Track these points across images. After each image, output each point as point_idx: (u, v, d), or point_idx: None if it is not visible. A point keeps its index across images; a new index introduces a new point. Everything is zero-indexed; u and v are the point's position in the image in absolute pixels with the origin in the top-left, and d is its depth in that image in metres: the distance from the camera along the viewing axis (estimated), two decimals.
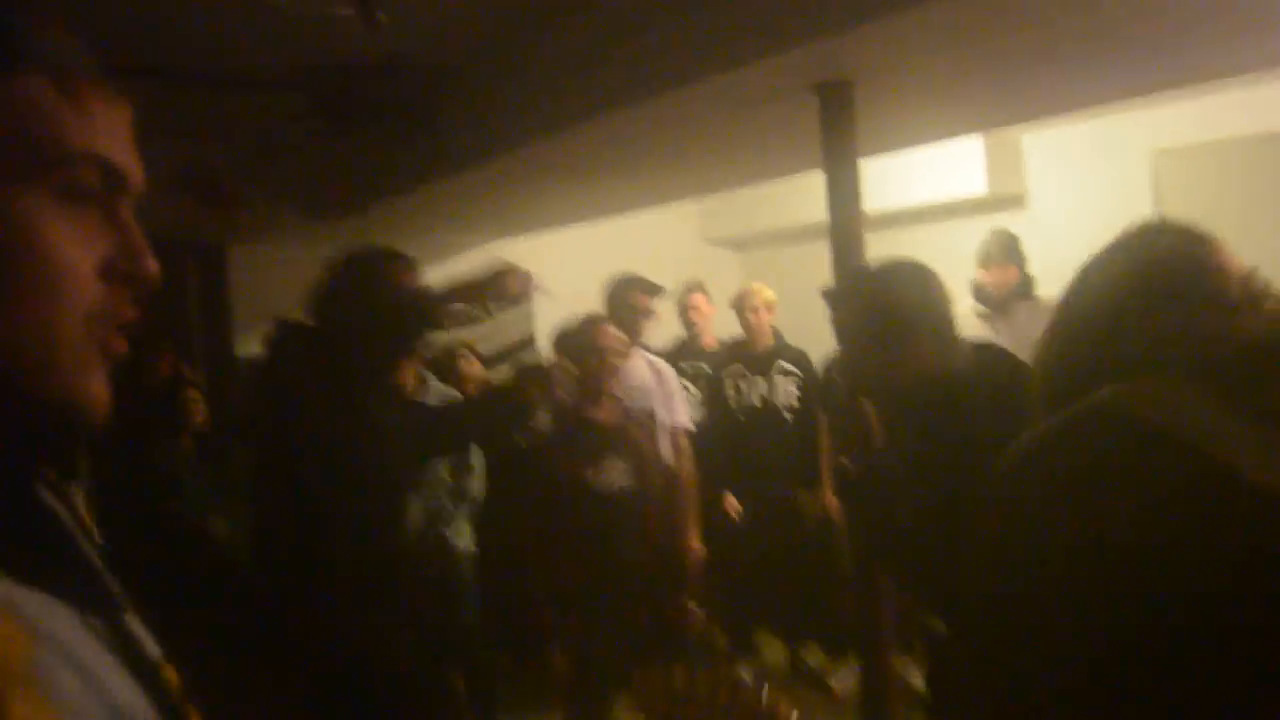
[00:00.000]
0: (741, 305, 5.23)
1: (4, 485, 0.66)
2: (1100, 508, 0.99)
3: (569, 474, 3.40)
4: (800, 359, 5.13)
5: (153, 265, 0.71)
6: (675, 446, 4.19)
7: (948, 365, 2.21)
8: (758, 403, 5.07)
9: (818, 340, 4.69)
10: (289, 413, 2.54)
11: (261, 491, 2.68)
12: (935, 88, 3.52)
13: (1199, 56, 3.43)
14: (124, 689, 0.66)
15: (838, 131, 3.21)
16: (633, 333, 4.12)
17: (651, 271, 5.76)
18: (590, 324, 3.63)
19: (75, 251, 0.66)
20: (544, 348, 6.49)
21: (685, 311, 5.40)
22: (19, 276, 0.64)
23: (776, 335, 5.20)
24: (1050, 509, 1.06)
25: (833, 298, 2.42)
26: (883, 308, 2.25)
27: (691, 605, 3.67)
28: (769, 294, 5.21)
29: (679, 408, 4.29)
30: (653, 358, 4.44)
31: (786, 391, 5.07)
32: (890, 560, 2.62)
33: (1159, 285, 1.22)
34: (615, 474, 3.48)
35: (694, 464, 4.21)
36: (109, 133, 0.70)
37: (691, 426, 4.38)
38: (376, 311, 2.58)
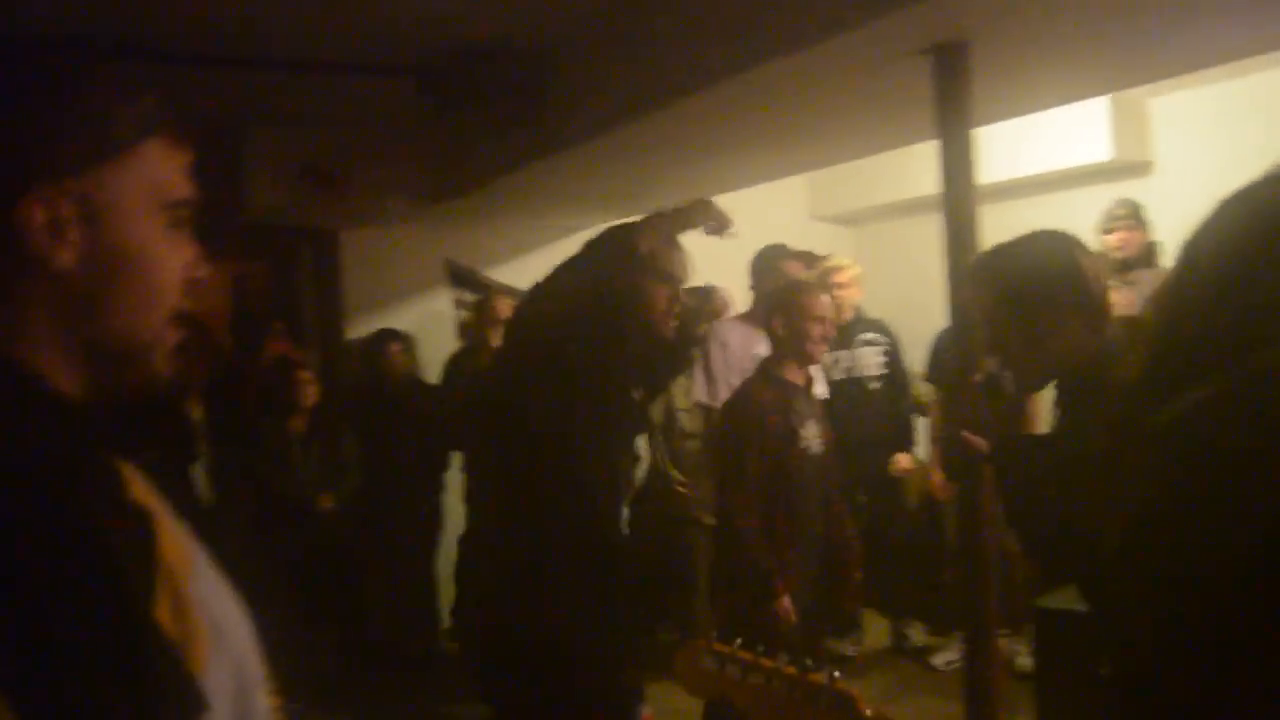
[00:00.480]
0: (824, 281, 5.20)
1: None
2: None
3: (776, 431, 3.42)
4: (881, 328, 5.22)
5: (205, 270, 0.97)
6: None
7: (1097, 340, 2.09)
8: (842, 376, 5.11)
9: (929, 314, 4.58)
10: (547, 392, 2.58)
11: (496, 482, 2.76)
12: (1058, 46, 3.34)
13: None
14: (229, 612, 0.92)
15: (952, 96, 3.07)
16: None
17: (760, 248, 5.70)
18: (804, 289, 3.67)
19: (174, 263, 0.93)
20: None
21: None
22: (142, 282, 0.91)
23: (857, 309, 5.24)
24: (1227, 480, 0.97)
25: (972, 272, 2.32)
26: (1024, 280, 2.13)
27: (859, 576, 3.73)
28: (854, 269, 5.25)
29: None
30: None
31: (871, 362, 5.14)
32: (1032, 543, 2.53)
33: None
34: (813, 439, 3.51)
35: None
36: (185, 172, 0.95)
37: (825, 395, 4.44)
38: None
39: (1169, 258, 4.23)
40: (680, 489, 4.88)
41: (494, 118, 4.53)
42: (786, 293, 3.66)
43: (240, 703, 0.90)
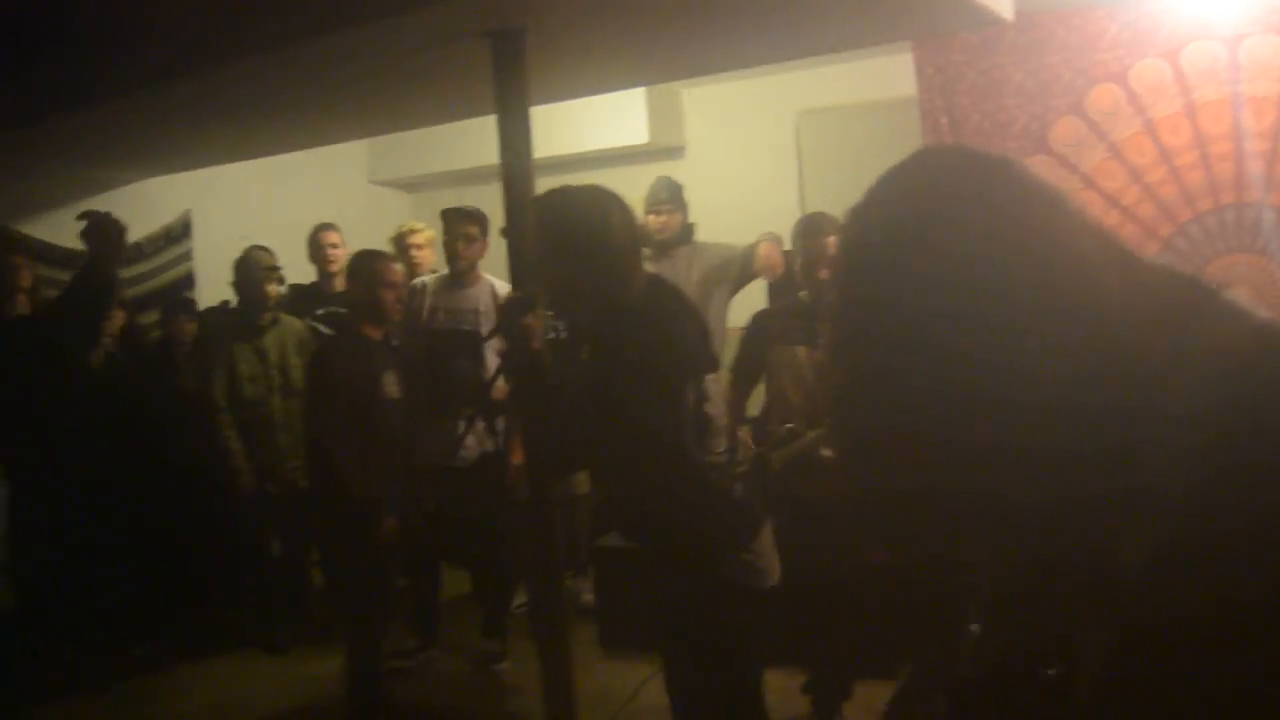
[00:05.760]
0: (401, 243, 5.26)
1: None
2: None
3: (360, 379, 3.79)
4: None
5: None
6: None
7: (623, 291, 2.33)
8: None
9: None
10: None
11: None
12: (603, 40, 3.67)
13: (836, 26, 3.77)
14: None
15: (510, 78, 3.28)
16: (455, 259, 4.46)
17: (323, 213, 5.65)
18: (375, 257, 4.02)
19: None
20: (205, 284, 6.22)
21: (318, 250, 5.37)
22: None
23: (434, 270, 5.25)
24: None
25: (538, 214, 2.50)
26: (561, 223, 2.35)
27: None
28: (429, 232, 5.26)
29: None
30: (499, 283, 4.52)
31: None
32: (567, 467, 2.81)
33: None
34: (391, 386, 3.93)
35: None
36: None
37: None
38: None
39: (702, 233, 4.76)
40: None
41: (15, 57, 4.12)
42: (359, 260, 3.88)
43: None
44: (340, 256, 5.23)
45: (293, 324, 5.05)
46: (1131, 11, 4.03)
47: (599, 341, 2.39)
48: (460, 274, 4.45)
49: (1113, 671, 1.06)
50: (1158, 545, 1.01)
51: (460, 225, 4.50)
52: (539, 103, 3.58)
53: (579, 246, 2.32)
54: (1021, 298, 1.04)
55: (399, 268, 3.91)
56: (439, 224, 5.34)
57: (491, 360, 4.40)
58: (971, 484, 1.19)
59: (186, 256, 6.38)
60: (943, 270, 1.05)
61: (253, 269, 4.91)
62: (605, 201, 2.40)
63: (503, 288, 4.54)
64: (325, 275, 5.36)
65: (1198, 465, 0.99)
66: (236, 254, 5.01)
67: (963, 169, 1.14)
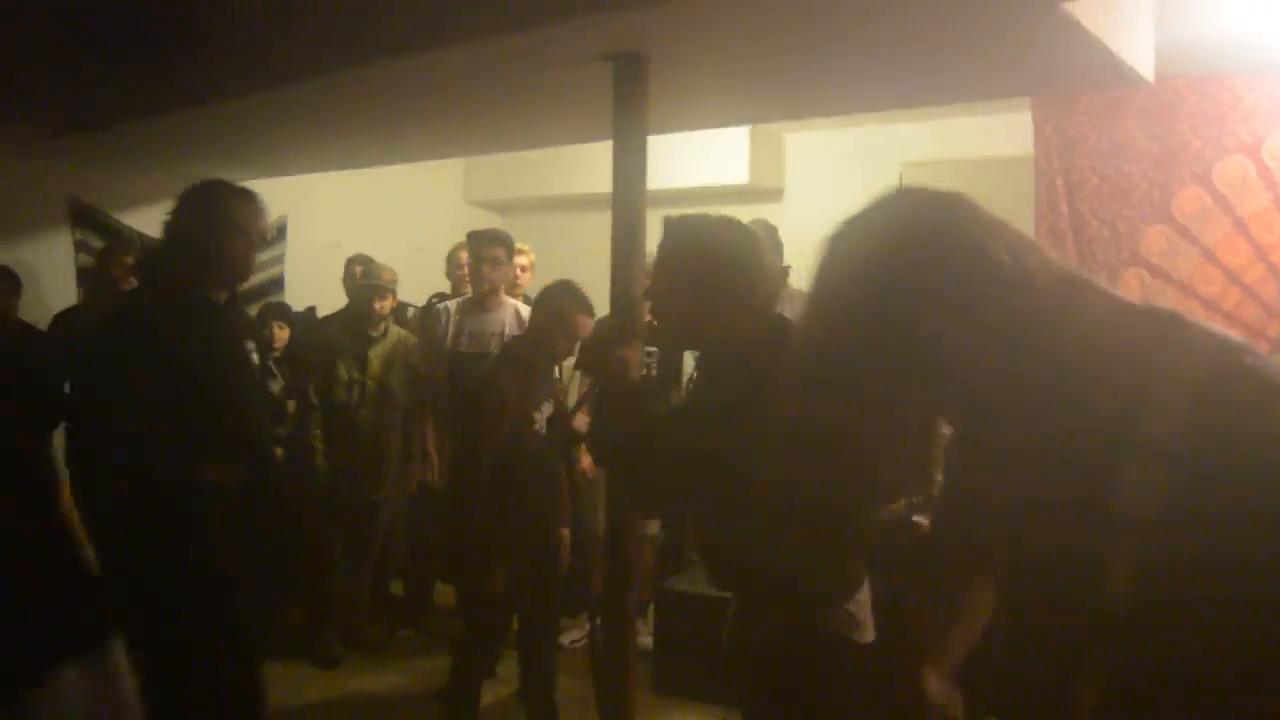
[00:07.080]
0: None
1: None
2: None
3: (519, 414, 3.54)
4: None
5: None
6: None
7: (751, 328, 2.24)
8: None
9: None
10: None
11: None
12: (721, 71, 3.62)
13: (941, 80, 3.69)
14: None
15: (630, 103, 3.23)
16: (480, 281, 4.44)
17: (415, 228, 5.69)
18: (579, 304, 3.69)
19: None
20: (293, 288, 6.27)
21: (457, 269, 5.37)
22: None
23: (528, 296, 5.21)
24: None
25: (666, 237, 2.41)
26: (694, 251, 2.27)
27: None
28: (531, 255, 5.24)
29: None
30: (523, 307, 4.54)
31: None
32: (653, 503, 2.70)
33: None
34: (543, 420, 3.67)
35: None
36: None
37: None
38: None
39: (800, 278, 4.68)
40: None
41: (143, 53, 4.19)
42: (555, 296, 3.63)
43: None
44: None
45: (401, 337, 5.06)
46: (1270, 82, 3.88)
47: (713, 377, 2.31)
48: (484, 297, 4.43)
49: (1110, 709, 1.12)
50: (1141, 583, 1.07)
51: (486, 248, 4.49)
52: (654, 132, 3.53)
53: (712, 276, 2.24)
54: (983, 329, 1.13)
55: (588, 320, 3.61)
56: (537, 250, 5.33)
57: None
58: (961, 517, 1.32)
59: (278, 260, 6.44)
60: (910, 303, 1.17)
61: (369, 283, 4.95)
62: (743, 234, 2.32)
63: (526, 311, 4.51)
64: (459, 293, 5.34)
65: (1169, 498, 1.05)
66: (326, 261, 5.04)
67: (922, 213, 1.26)
